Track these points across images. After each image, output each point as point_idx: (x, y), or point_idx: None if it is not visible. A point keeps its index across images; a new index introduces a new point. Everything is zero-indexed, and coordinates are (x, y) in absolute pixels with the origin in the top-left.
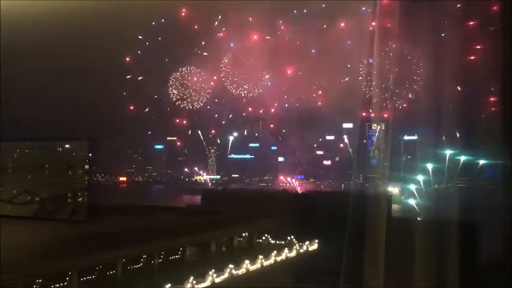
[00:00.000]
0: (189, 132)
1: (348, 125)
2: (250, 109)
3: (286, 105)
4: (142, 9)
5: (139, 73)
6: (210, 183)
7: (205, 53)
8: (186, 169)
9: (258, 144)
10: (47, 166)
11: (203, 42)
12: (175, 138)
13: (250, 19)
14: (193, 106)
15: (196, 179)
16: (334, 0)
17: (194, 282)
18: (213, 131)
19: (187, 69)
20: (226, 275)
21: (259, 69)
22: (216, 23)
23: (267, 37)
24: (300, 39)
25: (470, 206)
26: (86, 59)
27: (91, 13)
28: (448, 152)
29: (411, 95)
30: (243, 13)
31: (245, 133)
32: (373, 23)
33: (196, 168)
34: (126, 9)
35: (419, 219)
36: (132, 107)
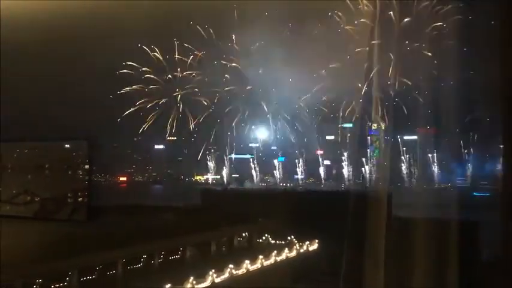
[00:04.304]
0: (189, 132)
1: (348, 125)
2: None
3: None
4: (146, 9)
5: (141, 73)
6: (210, 183)
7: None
8: (186, 169)
9: (258, 144)
10: (46, 166)
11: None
12: (175, 138)
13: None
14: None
15: (196, 179)
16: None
17: (194, 282)
18: (213, 131)
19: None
20: (226, 274)
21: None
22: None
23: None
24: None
25: (469, 205)
26: (87, 58)
27: (92, 12)
28: (450, 152)
29: (412, 94)
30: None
31: (245, 133)
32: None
33: (196, 168)
34: (129, 9)
35: (420, 218)
36: (132, 107)
